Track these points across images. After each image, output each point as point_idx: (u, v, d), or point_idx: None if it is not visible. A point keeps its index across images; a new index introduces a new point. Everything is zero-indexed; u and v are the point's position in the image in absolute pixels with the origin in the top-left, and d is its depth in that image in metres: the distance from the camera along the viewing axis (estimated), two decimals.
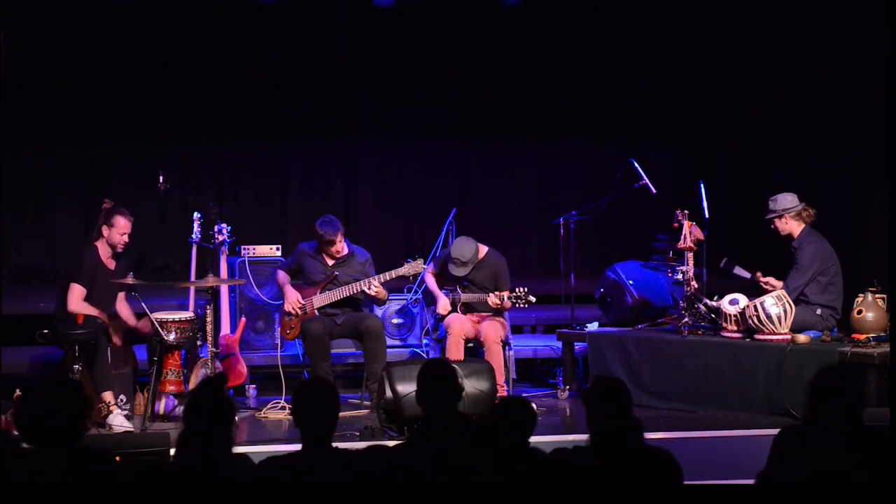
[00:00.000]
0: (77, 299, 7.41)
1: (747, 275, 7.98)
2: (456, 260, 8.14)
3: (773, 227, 7.87)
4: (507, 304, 8.11)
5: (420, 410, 4.81)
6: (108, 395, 7.31)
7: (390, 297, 8.71)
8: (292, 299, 8.09)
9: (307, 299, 8.13)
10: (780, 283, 7.79)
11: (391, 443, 5.18)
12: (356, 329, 8.09)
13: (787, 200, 7.86)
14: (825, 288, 7.75)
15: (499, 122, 11.63)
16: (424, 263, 8.16)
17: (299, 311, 8.07)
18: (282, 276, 8.28)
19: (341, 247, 8.19)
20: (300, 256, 8.30)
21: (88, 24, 10.70)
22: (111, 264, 7.62)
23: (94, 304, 7.47)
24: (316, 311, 8.11)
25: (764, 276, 7.85)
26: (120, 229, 7.54)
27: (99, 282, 7.51)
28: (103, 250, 7.58)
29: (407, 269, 8.13)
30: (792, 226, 7.85)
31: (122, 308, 7.74)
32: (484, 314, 8.20)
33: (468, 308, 8.21)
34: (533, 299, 8.04)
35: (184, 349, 7.56)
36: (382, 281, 8.10)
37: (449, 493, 4.16)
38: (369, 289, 8.05)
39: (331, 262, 8.23)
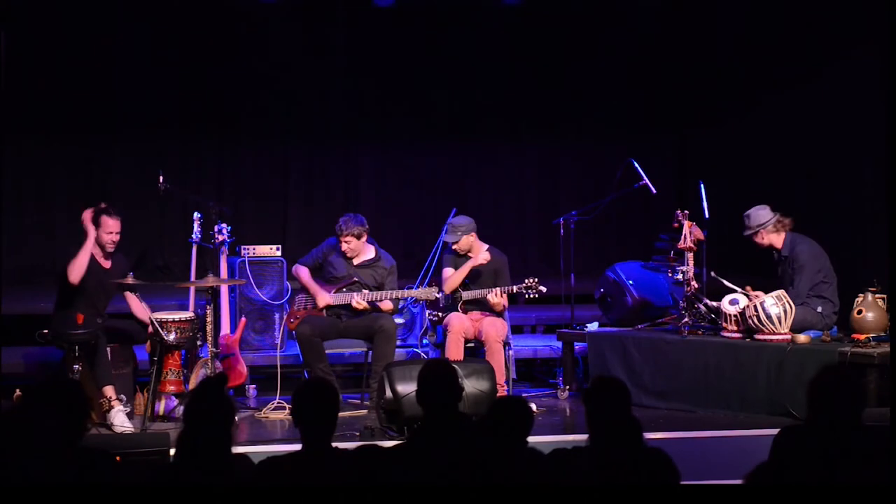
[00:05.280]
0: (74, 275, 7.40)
1: (737, 288, 8.02)
2: (449, 227, 8.25)
3: (753, 241, 7.97)
4: (505, 301, 8.13)
5: (420, 410, 4.81)
6: (108, 390, 7.32)
7: None
8: (326, 297, 8.06)
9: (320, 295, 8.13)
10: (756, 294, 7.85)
11: (389, 443, 5.18)
12: (369, 328, 8.06)
13: (760, 216, 7.95)
14: (824, 284, 7.80)
15: (499, 122, 11.63)
16: (437, 292, 8.14)
17: (332, 304, 8.05)
18: (305, 273, 8.21)
19: (349, 248, 8.12)
20: (327, 250, 8.26)
21: (89, 24, 10.69)
22: (106, 263, 7.63)
23: (87, 302, 7.47)
24: (324, 312, 8.09)
25: (754, 289, 7.87)
26: (106, 228, 7.55)
27: (93, 281, 7.51)
28: (96, 250, 7.59)
29: (420, 292, 8.14)
30: (771, 238, 7.94)
31: (136, 305, 7.73)
32: (485, 312, 8.20)
33: (469, 306, 8.22)
34: (544, 289, 8.06)
35: (184, 349, 7.57)
36: (393, 297, 8.10)
37: (448, 493, 4.16)
38: (351, 300, 8.04)
39: (355, 262, 8.21)
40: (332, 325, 8.10)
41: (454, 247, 8.25)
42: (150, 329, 7.49)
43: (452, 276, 8.20)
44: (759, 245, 7.98)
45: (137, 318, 7.73)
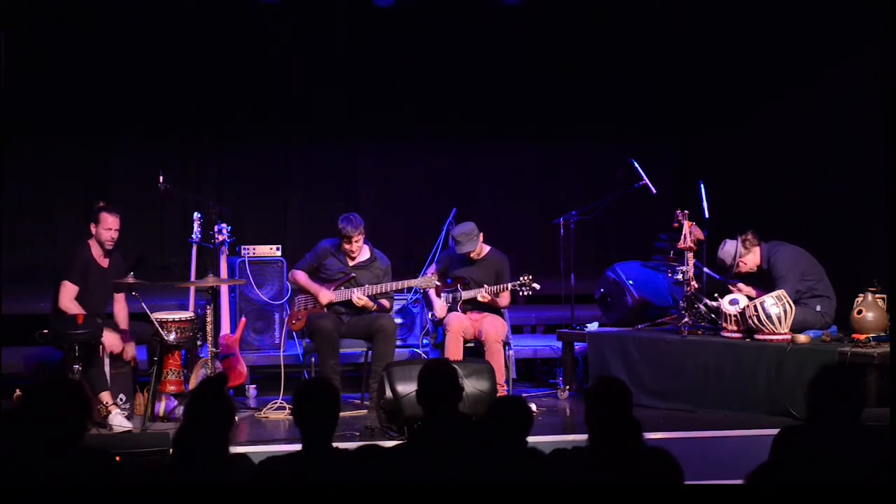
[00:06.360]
0: (67, 297, 7.42)
1: (717, 277, 8.08)
2: (458, 238, 8.20)
3: (743, 275, 8.00)
4: (504, 300, 8.12)
5: (420, 410, 4.81)
6: (105, 396, 7.31)
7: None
8: (328, 293, 8.05)
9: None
10: (747, 289, 7.87)
11: (389, 443, 5.18)
12: (369, 328, 8.06)
13: (728, 252, 8.02)
14: (815, 283, 7.81)
15: (499, 122, 11.62)
16: (437, 281, 8.14)
17: (335, 300, 8.04)
18: (302, 276, 8.20)
19: (357, 247, 8.14)
20: (322, 254, 8.25)
21: (89, 24, 10.69)
22: (104, 262, 7.63)
23: (87, 302, 7.48)
24: (325, 311, 8.09)
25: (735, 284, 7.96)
26: (105, 225, 7.55)
27: (92, 280, 7.52)
28: (95, 248, 7.59)
29: (420, 281, 8.18)
30: (750, 259, 7.99)
31: (120, 309, 7.75)
32: (484, 312, 8.19)
33: (469, 306, 8.21)
34: (537, 286, 8.06)
35: (184, 349, 7.57)
36: (392, 289, 8.10)
37: (448, 493, 4.16)
38: (352, 296, 8.04)
39: (352, 263, 8.21)
40: (338, 323, 8.10)
41: (472, 255, 8.23)
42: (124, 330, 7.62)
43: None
44: (750, 272, 8.00)
45: (115, 319, 7.74)
